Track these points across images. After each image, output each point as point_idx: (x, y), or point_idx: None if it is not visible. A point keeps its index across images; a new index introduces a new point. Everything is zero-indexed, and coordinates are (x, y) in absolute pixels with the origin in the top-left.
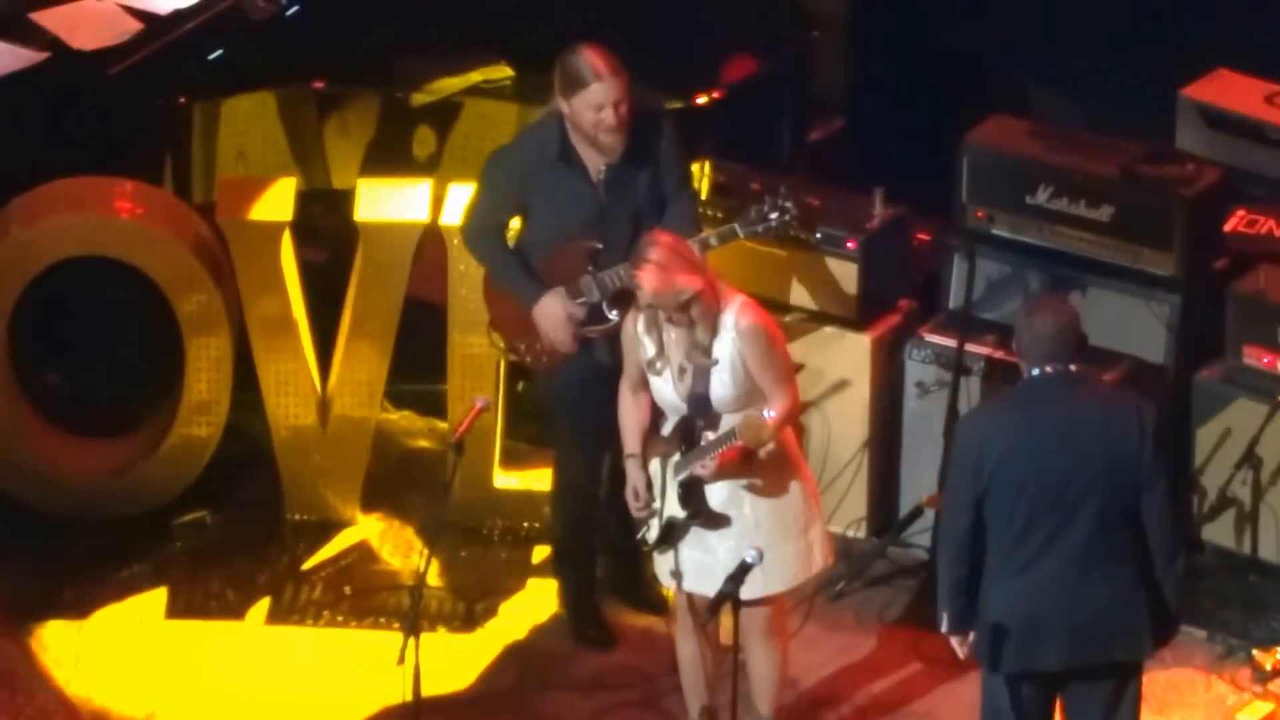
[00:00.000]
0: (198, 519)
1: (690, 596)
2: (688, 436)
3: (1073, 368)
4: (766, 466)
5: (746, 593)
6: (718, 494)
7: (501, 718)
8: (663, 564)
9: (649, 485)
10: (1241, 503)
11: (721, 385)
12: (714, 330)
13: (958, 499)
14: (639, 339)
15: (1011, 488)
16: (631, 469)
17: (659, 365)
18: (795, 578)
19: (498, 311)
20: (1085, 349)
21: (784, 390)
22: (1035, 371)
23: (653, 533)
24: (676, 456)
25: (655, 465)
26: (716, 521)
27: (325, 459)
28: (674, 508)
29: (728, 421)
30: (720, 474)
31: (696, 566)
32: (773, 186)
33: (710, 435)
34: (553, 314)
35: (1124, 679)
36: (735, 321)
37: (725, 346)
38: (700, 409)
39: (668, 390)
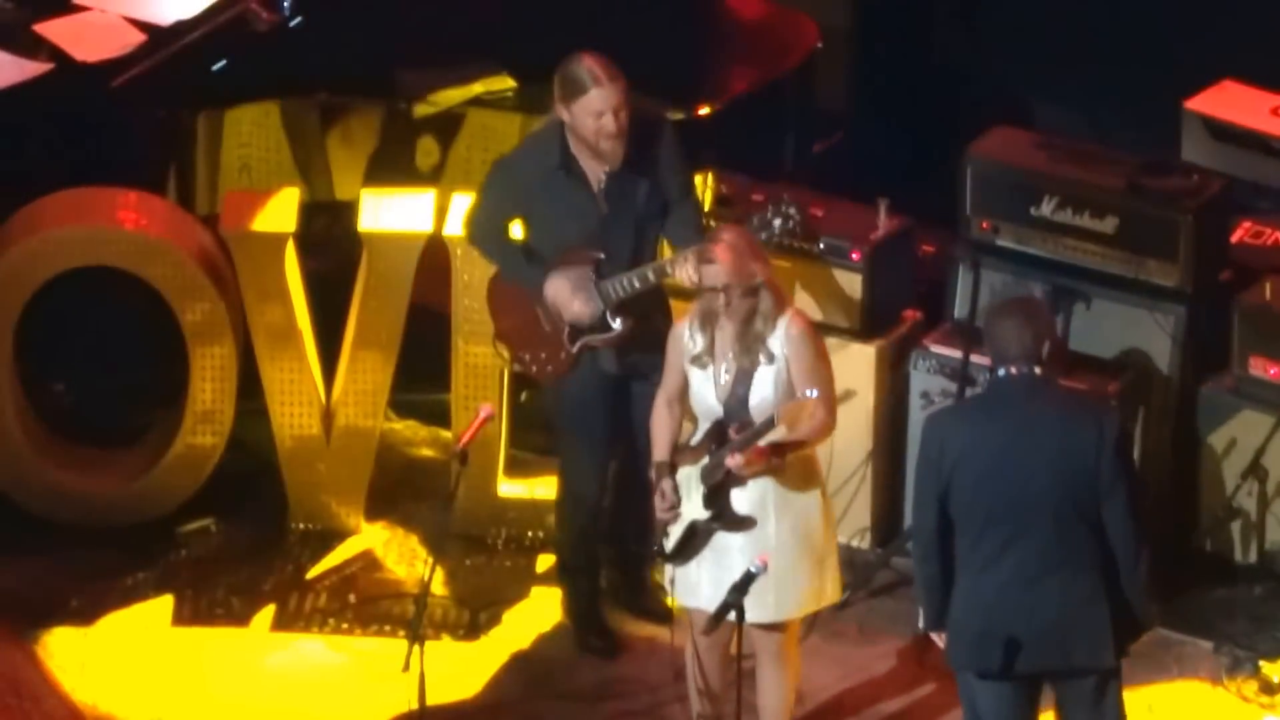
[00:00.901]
0: (203, 527)
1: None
2: (719, 439)
3: (1037, 370)
4: (796, 484)
5: (760, 615)
6: (744, 507)
7: None
8: (680, 580)
9: (675, 493)
10: (1247, 514)
11: (763, 387)
12: (774, 326)
13: (922, 496)
14: (687, 338)
15: (969, 487)
16: (659, 473)
17: (704, 360)
18: (804, 606)
19: (503, 323)
20: (1061, 354)
21: (825, 403)
22: (1001, 372)
23: (670, 541)
24: (705, 460)
25: (681, 473)
26: (739, 525)
27: (330, 468)
28: (696, 512)
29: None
30: (750, 468)
31: (720, 584)
32: (776, 194)
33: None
34: (562, 290)
35: (1102, 681)
36: (787, 327)
37: (777, 345)
38: (737, 412)
39: (708, 388)
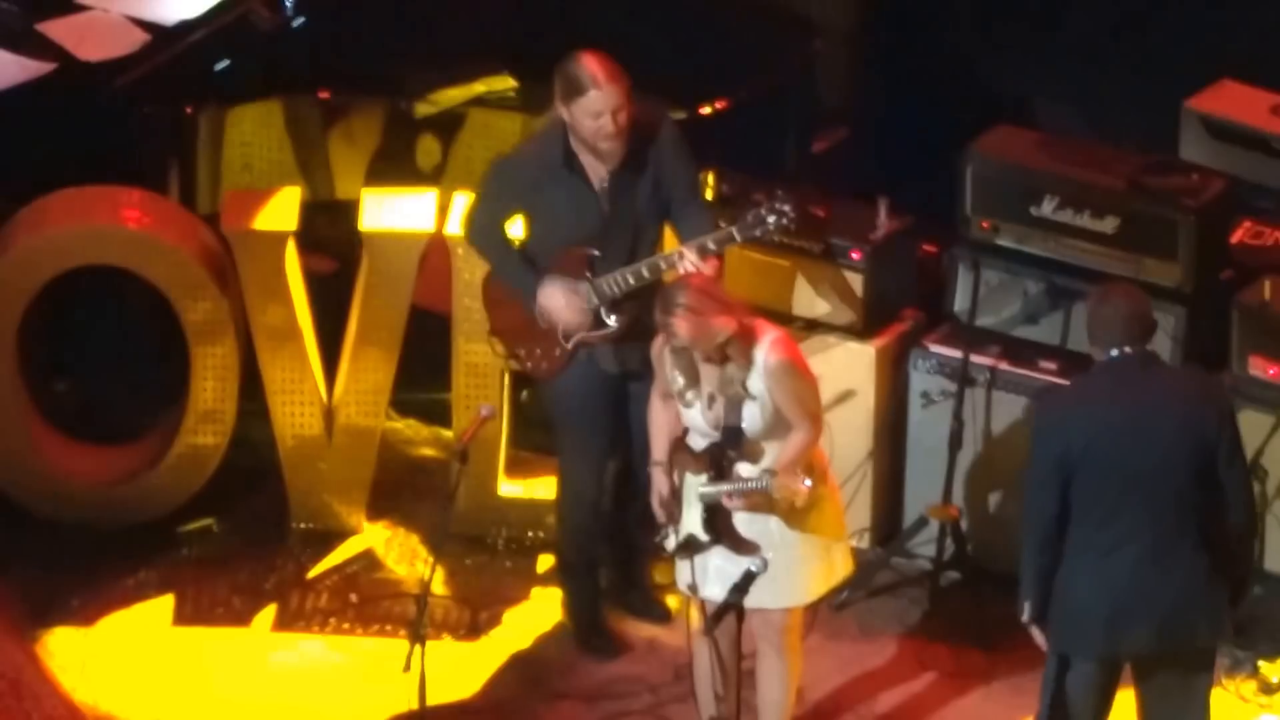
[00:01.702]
0: (204, 527)
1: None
2: (717, 464)
3: (1147, 348)
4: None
5: (765, 601)
6: (743, 514)
7: None
8: (683, 573)
9: (674, 493)
10: None
11: (752, 419)
12: (749, 366)
13: (1043, 485)
14: (669, 370)
15: (1097, 471)
16: (657, 476)
17: (689, 397)
18: (811, 593)
19: (498, 319)
20: (1154, 335)
21: (809, 424)
22: (1114, 353)
23: (671, 540)
24: (704, 478)
25: (686, 477)
26: (741, 547)
27: (331, 468)
28: (695, 524)
29: (764, 450)
30: (746, 508)
31: (719, 574)
32: (771, 191)
33: (742, 467)
34: (554, 297)
35: (1206, 661)
36: (765, 359)
37: (756, 382)
38: (733, 441)
39: (698, 419)
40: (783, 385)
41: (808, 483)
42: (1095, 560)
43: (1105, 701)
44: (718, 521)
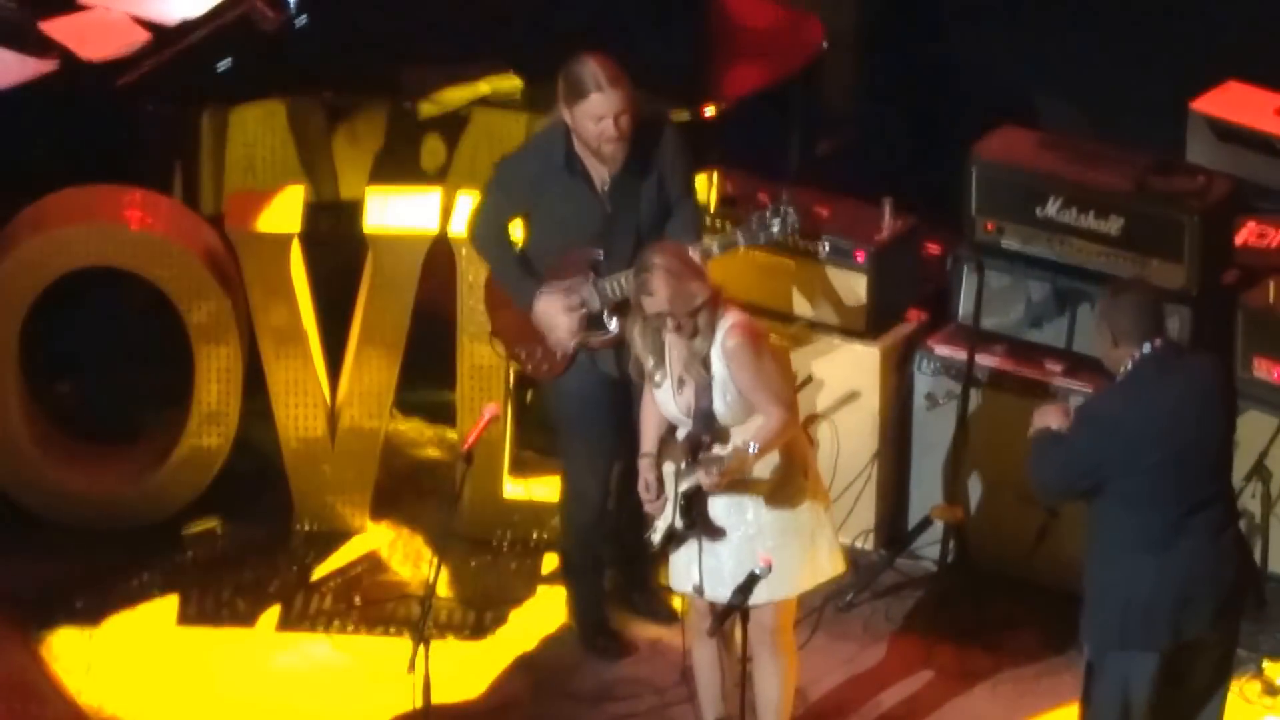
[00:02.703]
0: (208, 528)
1: (709, 603)
2: (693, 451)
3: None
4: (772, 470)
5: (751, 599)
6: (721, 503)
7: None
8: (677, 571)
9: (660, 480)
10: (1251, 515)
11: (720, 401)
12: (711, 339)
13: (1085, 475)
14: (637, 345)
15: (1161, 462)
16: (644, 466)
17: (658, 378)
18: (799, 585)
19: (499, 319)
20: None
21: (775, 408)
22: (1147, 348)
23: (657, 536)
24: (683, 465)
25: (668, 467)
26: (714, 533)
27: (335, 469)
28: (674, 514)
29: (735, 435)
30: (724, 485)
31: (709, 573)
32: (775, 195)
33: (717, 448)
34: (548, 313)
35: (1235, 640)
36: (722, 341)
37: (716, 364)
38: (706, 424)
39: (668, 402)
40: (743, 368)
41: (754, 448)
42: (1157, 551)
43: (1160, 694)
44: (693, 509)
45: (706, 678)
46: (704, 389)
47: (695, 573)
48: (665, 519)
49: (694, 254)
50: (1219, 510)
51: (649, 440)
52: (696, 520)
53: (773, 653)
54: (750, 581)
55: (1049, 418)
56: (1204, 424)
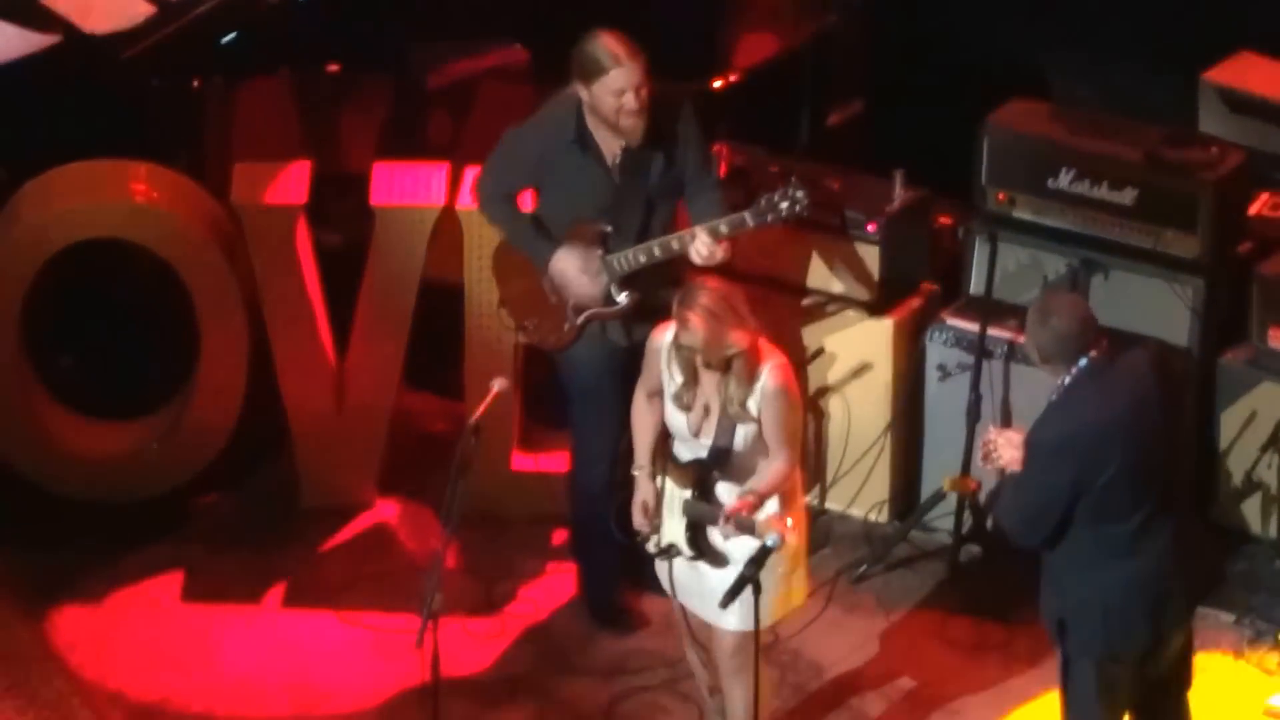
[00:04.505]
0: (214, 503)
1: (684, 607)
2: (701, 484)
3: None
4: (777, 507)
5: (709, 614)
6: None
7: (520, 701)
8: (661, 572)
9: (658, 500)
10: (1268, 486)
11: (744, 441)
12: (751, 386)
13: (1053, 506)
14: (664, 364)
15: (1123, 472)
16: (641, 481)
17: (685, 400)
18: (769, 616)
19: (507, 289)
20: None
21: (788, 449)
22: (1083, 362)
23: (652, 544)
24: (688, 493)
25: (664, 482)
26: (719, 561)
27: (342, 443)
28: (677, 534)
29: (748, 473)
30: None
31: (687, 583)
32: (785, 174)
33: (724, 487)
34: (568, 267)
35: (1189, 636)
36: (765, 381)
37: (754, 405)
38: (720, 461)
39: (681, 423)
40: (775, 410)
41: (790, 523)
42: (1125, 557)
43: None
44: (700, 539)
45: (698, 671)
46: (728, 428)
47: (668, 580)
48: (665, 534)
49: (702, 234)
50: (1178, 504)
51: (643, 451)
52: (705, 551)
53: (737, 676)
54: (763, 553)
55: (1005, 453)
56: (1147, 430)
